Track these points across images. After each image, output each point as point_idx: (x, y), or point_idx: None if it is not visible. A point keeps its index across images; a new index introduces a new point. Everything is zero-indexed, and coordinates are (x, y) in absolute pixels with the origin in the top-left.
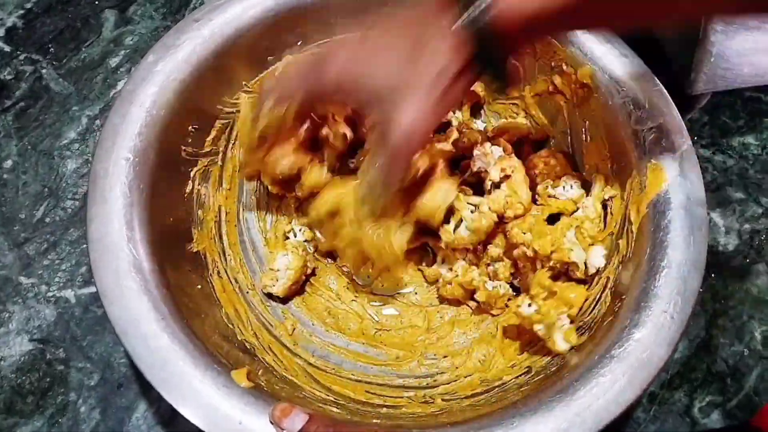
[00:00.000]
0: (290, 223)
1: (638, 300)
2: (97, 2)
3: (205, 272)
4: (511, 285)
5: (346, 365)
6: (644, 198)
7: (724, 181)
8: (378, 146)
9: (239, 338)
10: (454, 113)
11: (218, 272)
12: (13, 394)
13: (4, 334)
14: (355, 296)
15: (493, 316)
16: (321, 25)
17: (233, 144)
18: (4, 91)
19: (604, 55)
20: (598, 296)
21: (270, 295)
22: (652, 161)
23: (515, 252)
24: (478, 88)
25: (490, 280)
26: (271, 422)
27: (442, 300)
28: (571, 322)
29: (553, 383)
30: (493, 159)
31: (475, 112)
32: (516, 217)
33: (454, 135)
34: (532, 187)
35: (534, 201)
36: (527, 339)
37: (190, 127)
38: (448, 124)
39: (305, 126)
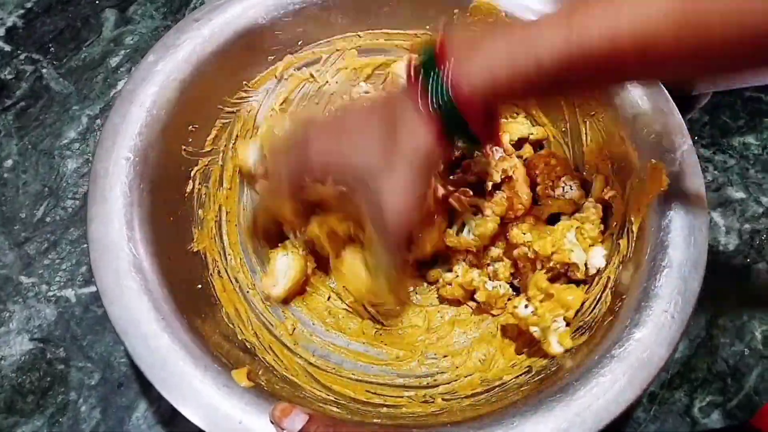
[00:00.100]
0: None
1: (639, 300)
2: (97, 2)
3: (205, 272)
4: (512, 285)
5: (347, 365)
6: (644, 198)
7: (725, 180)
8: (374, 227)
9: (239, 338)
10: None
11: (218, 272)
12: (14, 393)
13: (4, 333)
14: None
15: (493, 316)
16: (321, 25)
17: (233, 143)
18: (4, 90)
19: None
20: (598, 296)
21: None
22: (653, 161)
23: (515, 252)
24: None
25: (490, 280)
26: (271, 422)
27: (442, 300)
28: (568, 324)
29: (554, 383)
30: (493, 160)
31: None
32: (516, 218)
33: None
34: (532, 187)
35: (534, 201)
36: (527, 339)
37: (190, 127)
38: None
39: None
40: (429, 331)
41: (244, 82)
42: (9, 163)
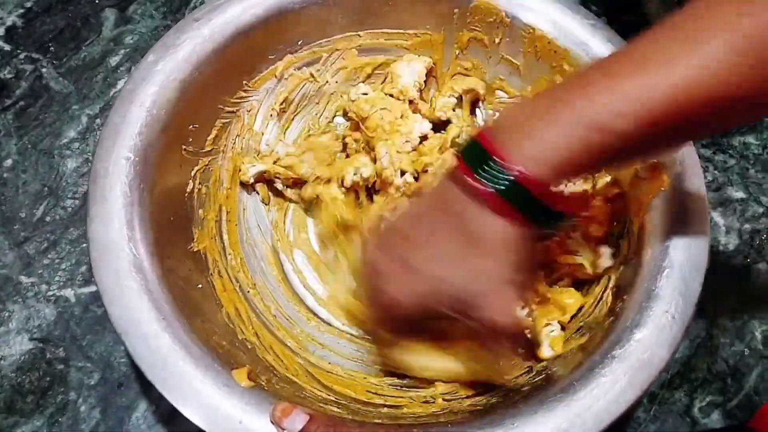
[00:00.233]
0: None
1: (639, 300)
2: (97, 1)
3: (205, 271)
4: None
5: (348, 365)
6: (645, 198)
7: (725, 180)
8: (485, 337)
9: (240, 337)
10: (454, 110)
11: (219, 271)
12: (13, 393)
13: (4, 333)
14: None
15: None
16: (321, 24)
17: (233, 143)
18: (4, 90)
19: (606, 55)
20: (599, 296)
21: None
22: (653, 161)
23: None
24: (478, 86)
25: None
26: (271, 422)
27: None
28: (564, 328)
29: (554, 383)
30: None
31: (475, 109)
32: None
33: (454, 132)
34: None
35: None
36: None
37: (190, 127)
38: (448, 122)
39: None
40: None
41: (245, 82)
42: (8, 162)
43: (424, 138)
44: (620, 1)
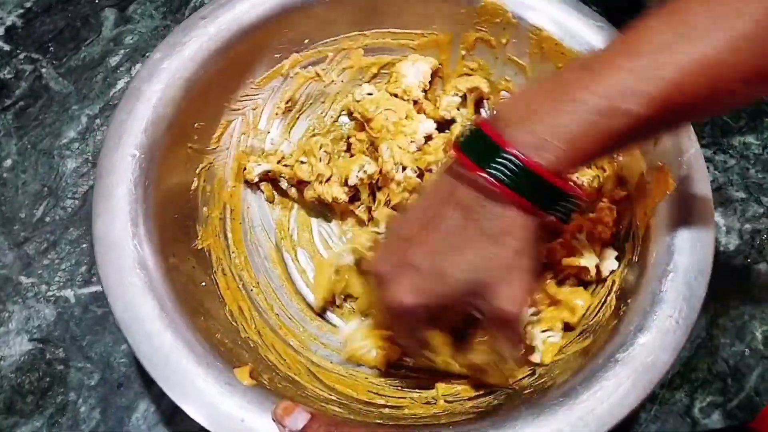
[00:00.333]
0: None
1: (643, 304)
2: (96, 1)
3: (209, 269)
4: None
5: (349, 365)
6: (651, 201)
7: (725, 180)
8: (492, 328)
9: (242, 336)
10: (458, 109)
11: (222, 269)
12: (13, 393)
13: (3, 333)
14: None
15: None
16: (327, 23)
17: (238, 141)
18: (3, 90)
19: None
20: (603, 300)
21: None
22: (659, 164)
23: None
24: (482, 85)
25: None
26: (273, 420)
27: None
28: (570, 329)
29: (557, 386)
30: None
31: (479, 108)
32: None
33: (458, 131)
34: None
35: None
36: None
37: (196, 125)
38: (452, 121)
39: None
40: None
41: (250, 80)
42: (8, 162)
43: (428, 138)
44: (620, 1)
